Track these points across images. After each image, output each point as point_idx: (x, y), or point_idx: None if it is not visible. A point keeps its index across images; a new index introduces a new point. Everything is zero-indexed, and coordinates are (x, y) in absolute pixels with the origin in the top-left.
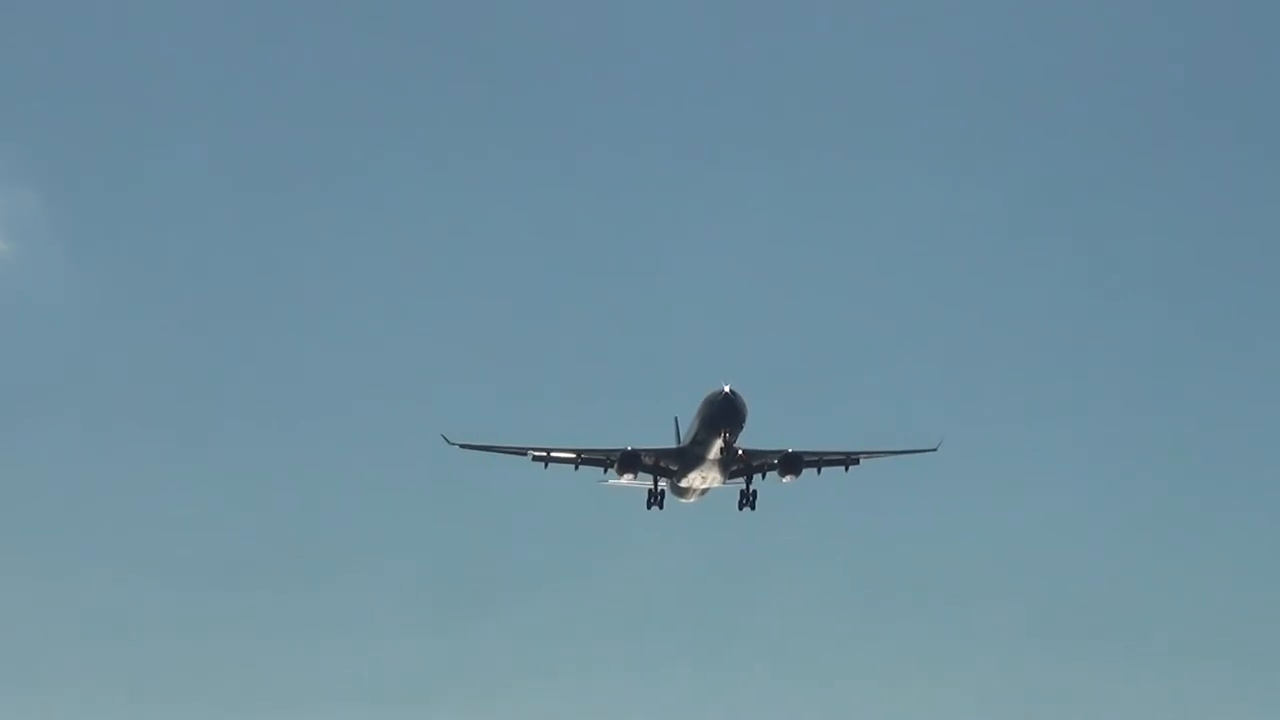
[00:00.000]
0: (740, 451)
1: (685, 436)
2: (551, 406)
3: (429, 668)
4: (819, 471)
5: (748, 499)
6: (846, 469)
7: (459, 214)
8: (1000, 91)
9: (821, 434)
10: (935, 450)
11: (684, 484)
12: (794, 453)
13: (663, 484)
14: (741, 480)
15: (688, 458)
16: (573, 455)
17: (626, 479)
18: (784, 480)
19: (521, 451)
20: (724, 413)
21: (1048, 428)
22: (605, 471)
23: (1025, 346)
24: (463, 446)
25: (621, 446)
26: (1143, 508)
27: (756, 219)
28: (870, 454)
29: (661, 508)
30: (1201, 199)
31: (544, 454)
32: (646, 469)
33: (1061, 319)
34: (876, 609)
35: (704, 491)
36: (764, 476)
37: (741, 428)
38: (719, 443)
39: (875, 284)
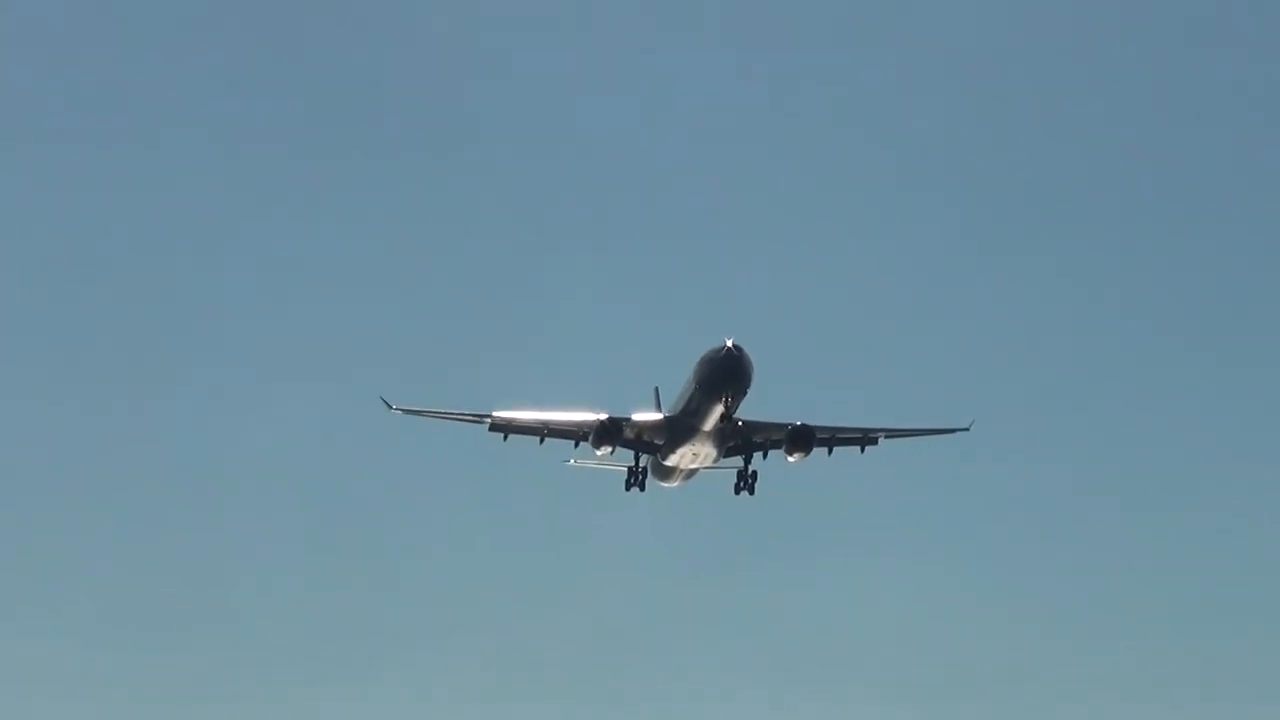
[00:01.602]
0: (740, 423)
1: (675, 404)
2: (509, 371)
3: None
4: (830, 452)
5: (746, 481)
6: (863, 449)
7: None
8: None
9: (827, 410)
10: (968, 430)
11: (670, 461)
12: (805, 426)
13: (645, 461)
14: (739, 459)
15: (678, 429)
16: (539, 425)
17: (603, 453)
18: (790, 459)
19: (478, 419)
20: (725, 372)
21: (1097, 407)
22: (576, 446)
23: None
24: (406, 413)
25: (598, 415)
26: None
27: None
28: (892, 432)
29: (643, 489)
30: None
31: (504, 423)
32: (627, 443)
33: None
34: (897, 610)
35: (691, 473)
36: (765, 455)
37: (745, 392)
38: (718, 410)
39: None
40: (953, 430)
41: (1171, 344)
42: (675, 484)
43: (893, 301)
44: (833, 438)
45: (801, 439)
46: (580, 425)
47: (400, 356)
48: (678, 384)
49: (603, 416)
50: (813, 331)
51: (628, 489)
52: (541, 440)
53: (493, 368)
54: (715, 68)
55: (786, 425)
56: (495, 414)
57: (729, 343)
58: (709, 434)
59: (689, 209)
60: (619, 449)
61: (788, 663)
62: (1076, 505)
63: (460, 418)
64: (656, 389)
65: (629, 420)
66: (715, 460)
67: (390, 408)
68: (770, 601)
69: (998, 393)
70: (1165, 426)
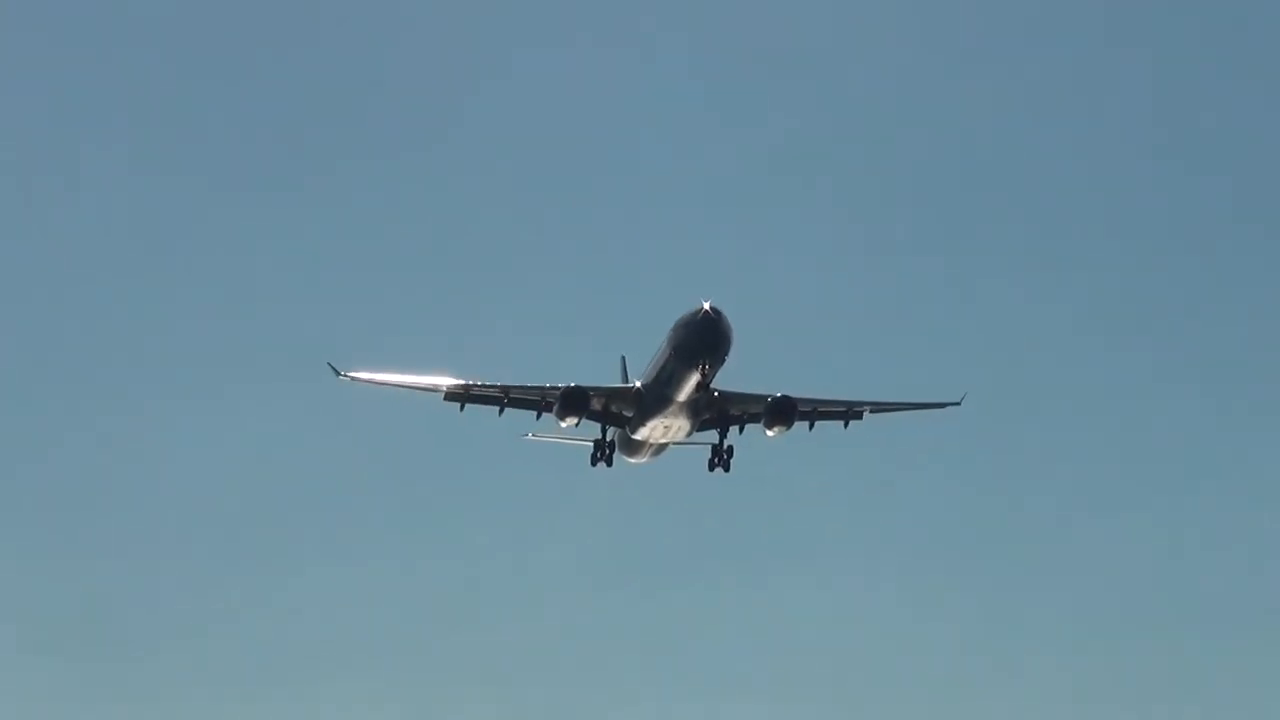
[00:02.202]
0: (716, 394)
1: (646, 373)
2: (467, 337)
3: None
4: (811, 426)
5: (721, 457)
6: (846, 424)
7: None
8: None
9: (807, 383)
10: (959, 405)
11: (640, 435)
12: (786, 398)
13: (612, 435)
14: (713, 434)
15: (649, 399)
16: (499, 393)
17: (567, 425)
18: (769, 434)
19: (433, 387)
20: (703, 337)
21: (1100, 381)
22: (538, 417)
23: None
24: (355, 379)
25: (564, 383)
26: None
27: None
28: (879, 406)
29: (610, 464)
30: None
31: (461, 391)
32: (594, 415)
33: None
34: (880, 596)
35: (661, 448)
36: (742, 430)
37: (723, 360)
38: (693, 379)
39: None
40: (943, 405)
41: (1174, 315)
42: (643, 460)
43: (878, 268)
44: (815, 411)
45: (782, 411)
46: (543, 394)
47: (348, 323)
48: (646, 354)
49: (570, 384)
50: (792, 300)
51: (594, 464)
52: (501, 411)
53: (447, 336)
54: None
55: (766, 397)
56: (452, 381)
57: (706, 305)
58: (683, 405)
59: (657, 172)
60: (585, 421)
61: (760, 656)
62: (1076, 486)
63: (414, 385)
64: (623, 358)
65: (597, 389)
66: (688, 434)
67: (338, 374)
68: (745, 588)
69: (992, 365)
70: (1172, 403)
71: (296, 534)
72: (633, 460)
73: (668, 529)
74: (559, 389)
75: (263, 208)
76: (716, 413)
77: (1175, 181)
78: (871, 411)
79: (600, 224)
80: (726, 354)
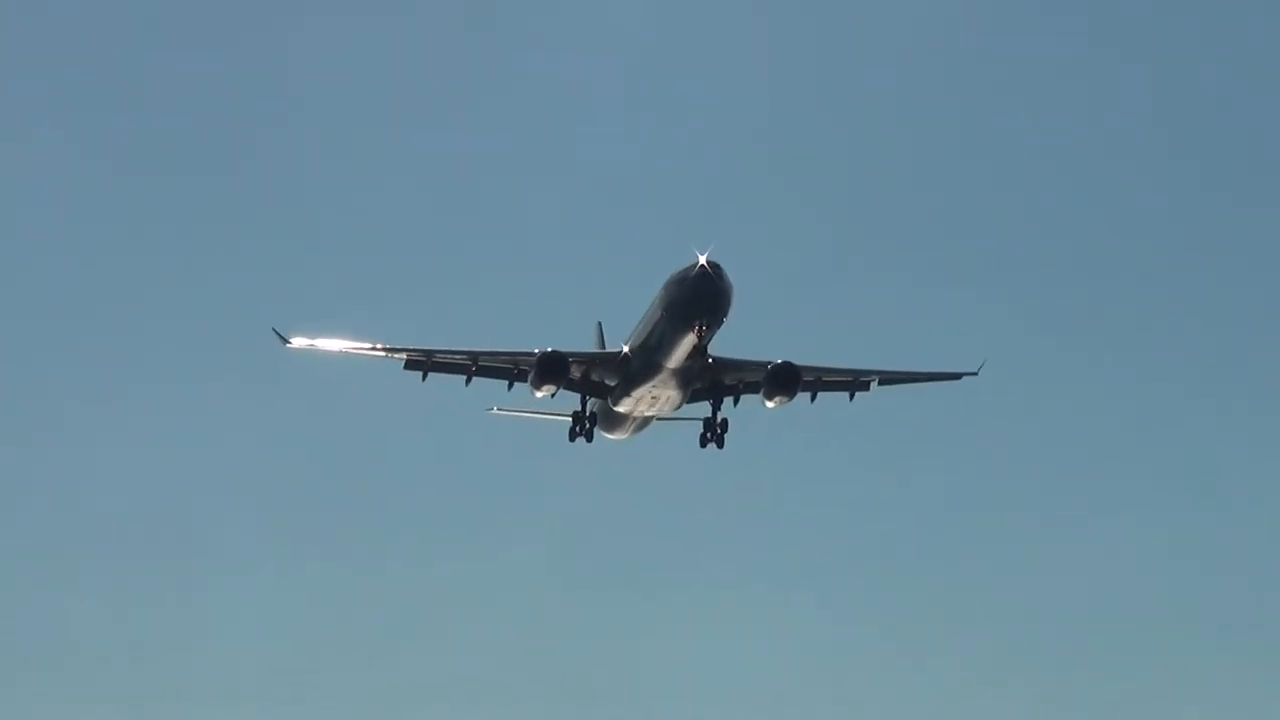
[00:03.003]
0: (711, 360)
1: (633, 336)
2: (427, 306)
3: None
4: (813, 398)
5: (714, 431)
6: (852, 395)
7: None
8: None
9: (807, 351)
10: (975, 375)
11: (624, 407)
12: (789, 365)
13: (593, 406)
14: (704, 406)
15: (637, 366)
16: (466, 360)
17: (542, 395)
18: (769, 404)
19: (392, 353)
20: (700, 295)
21: (1127, 349)
22: (510, 388)
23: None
24: (303, 347)
25: (539, 348)
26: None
27: None
28: (888, 376)
29: (590, 440)
30: None
31: (424, 358)
32: (573, 384)
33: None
34: (888, 587)
35: (645, 422)
36: (737, 401)
37: (722, 320)
38: (687, 342)
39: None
40: (957, 375)
41: (1205, 278)
42: (624, 435)
43: (887, 224)
44: (818, 381)
45: (785, 380)
46: (516, 361)
47: (293, 288)
48: (624, 322)
49: (546, 349)
50: (790, 260)
51: (572, 439)
52: (468, 380)
53: (406, 302)
54: None
55: (766, 364)
56: (414, 347)
57: (703, 259)
58: (674, 372)
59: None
60: (562, 392)
61: (760, 647)
62: (1105, 467)
63: (371, 352)
64: (599, 325)
65: (577, 355)
66: (677, 406)
67: (284, 341)
68: (740, 579)
69: (1010, 332)
70: (1206, 374)
71: (239, 521)
72: (612, 436)
73: (655, 512)
74: (534, 354)
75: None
76: (710, 382)
77: (1205, 138)
78: (880, 383)
79: (572, 178)
80: (726, 314)
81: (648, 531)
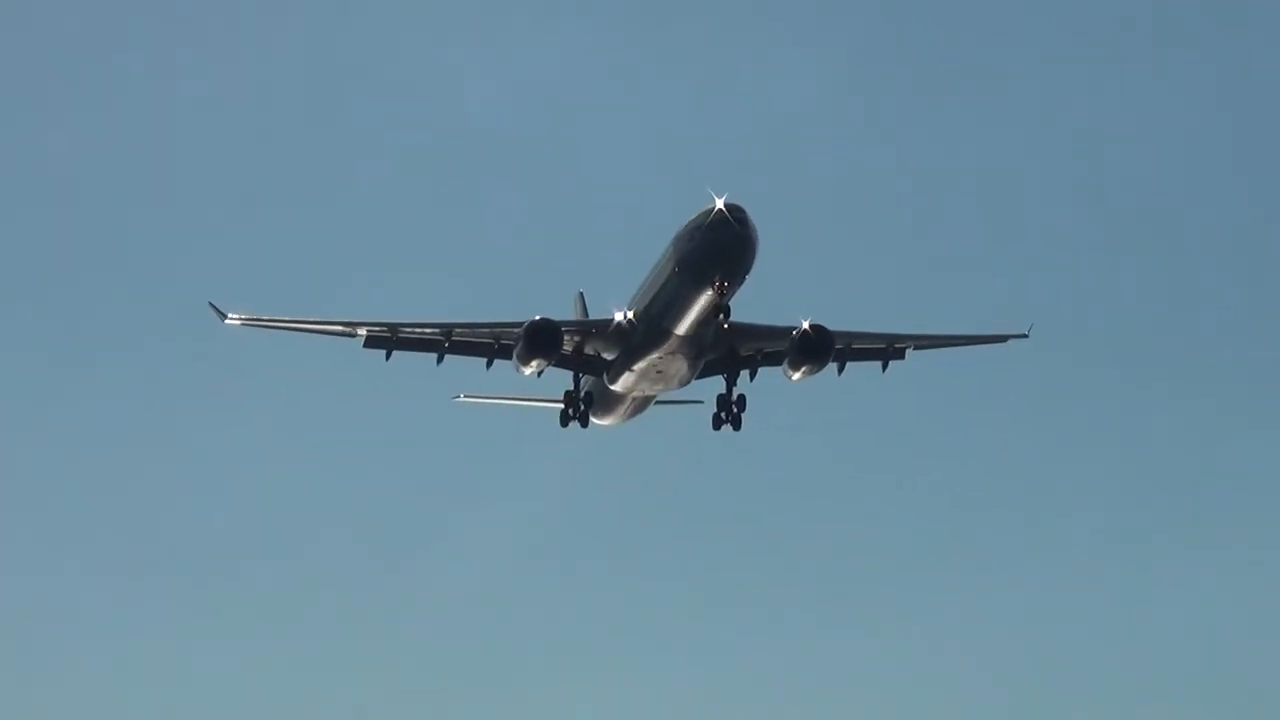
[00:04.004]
0: (726, 326)
1: (636, 300)
2: (381, 277)
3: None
4: (841, 369)
5: (729, 410)
6: (885, 365)
7: None
8: None
9: (827, 316)
10: (1025, 337)
11: (622, 385)
12: (820, 329)
13: (588, 385)
14: (707, 386)
15: (640, 334)
16: (438, 333)
17: (530, 372)
18: (794, 376)
19: (349, 330)
20: (721, 245)
21: (1193, 307)
22: (489, 365)
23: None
24: (246, 323)
25: (527, 318)
26: None
27: None
28: (925, 341)
29: (585, 424)
30: None
31: (387, 334)
32: (565, 359)
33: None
34: (928, 594)
35: (643, 404)
36: (754, 375)
37: (745, 276)
38: (703, 302)
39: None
40: (1004, 338)
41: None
42: (618, 420)
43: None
44: (848, 348)
45: (815, 346)
46: (499, 333)
47: (232, 259)
48: (612, 290)
49: (534, 318)
50: (810, 216)
51: (564, 424)
52: (440, 358)
53: (358, 277)
54: None
55: (790, 329)
56: (376, 320)
57: (720, 203)
58: (685, 341)
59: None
60: (548, 371)
61: (786, 657)
62: (1170, 435)
63: (324, 329)
64: (580, 295)
65: (570, 324)
66: (685, 381)
67: (223, 318)
68: (762, 582)
69: (1063, 290)
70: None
71: (178, 519)
72: (605, 422)
73: (664, 507)
74: (520, 324)
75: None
76: (724, 352)
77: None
78: (916, 348)
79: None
80: (750, 266)
81: (657, 530)
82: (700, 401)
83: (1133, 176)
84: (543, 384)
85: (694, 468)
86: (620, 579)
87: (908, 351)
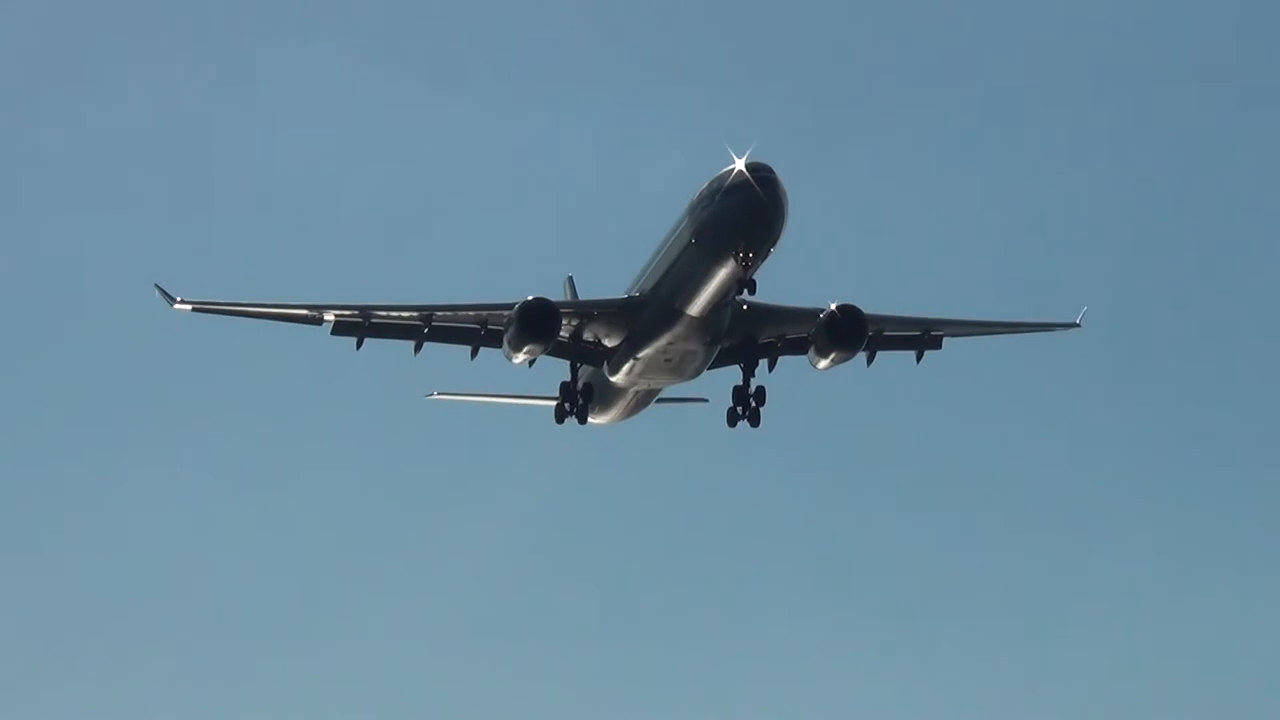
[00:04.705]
0: (745, 307)
1: (644, 278)
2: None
3: None
4: (871, 359)
5: (746, 405)
6: (919, 355)
7: None
8: None
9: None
10: (1077, 326)
11: (624, 375)
12: (852, 309)
13: (586, 376)
14: (731, 373)
15: (648, 315)
16: (417, 320)
17: (523, 359)
18: (820, 364)
19: (314, 317)
20: (748, 210)
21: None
22: (475, 354)
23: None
24: (197, 308)
25: (518, 298)
26: None
27: None
28: (964, 328)
29: (583, 420)
30: None
31: (359, 319)
32: (562, 346)
33: None
34: (961, 600)
35: (645, 399)
36: (773, 367)
37: (773, 246)
38: (723, 277)
39: None
40: (1051, 327)
41: None
42: (615, 418)
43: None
44: (879, 335)
45: (845, 330)
46: (486, 316)
47: (181, 239)
48: (602, 278)
49: (529, 298)
50: (838, 194)
51: (560, 419)
52: (419, 346)
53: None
54: None
55: (816, 311)
56: (346, 304)
57: (739, 164)
58: (699, 323)
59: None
60: (539, 362)
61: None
62: (1235, 437)
63: (285, 314)
64: (569, 279)
65: (569, 304)
66: (696, 372)
67: (172, 302)
68: (782, 603)
69: (1119, 274)
70: None
71: (125, 527)
72: (601, 419)
73: (677, 514)
74: (511, 305)
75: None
76: (741, 338)
77: None
78: (953, 336)
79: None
80: (778, 236)
81: (666, 540)
82: (705, 400)
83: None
84: (531, 378)
85: (708, 468)
86: (625, 593)
87: (945, 340)
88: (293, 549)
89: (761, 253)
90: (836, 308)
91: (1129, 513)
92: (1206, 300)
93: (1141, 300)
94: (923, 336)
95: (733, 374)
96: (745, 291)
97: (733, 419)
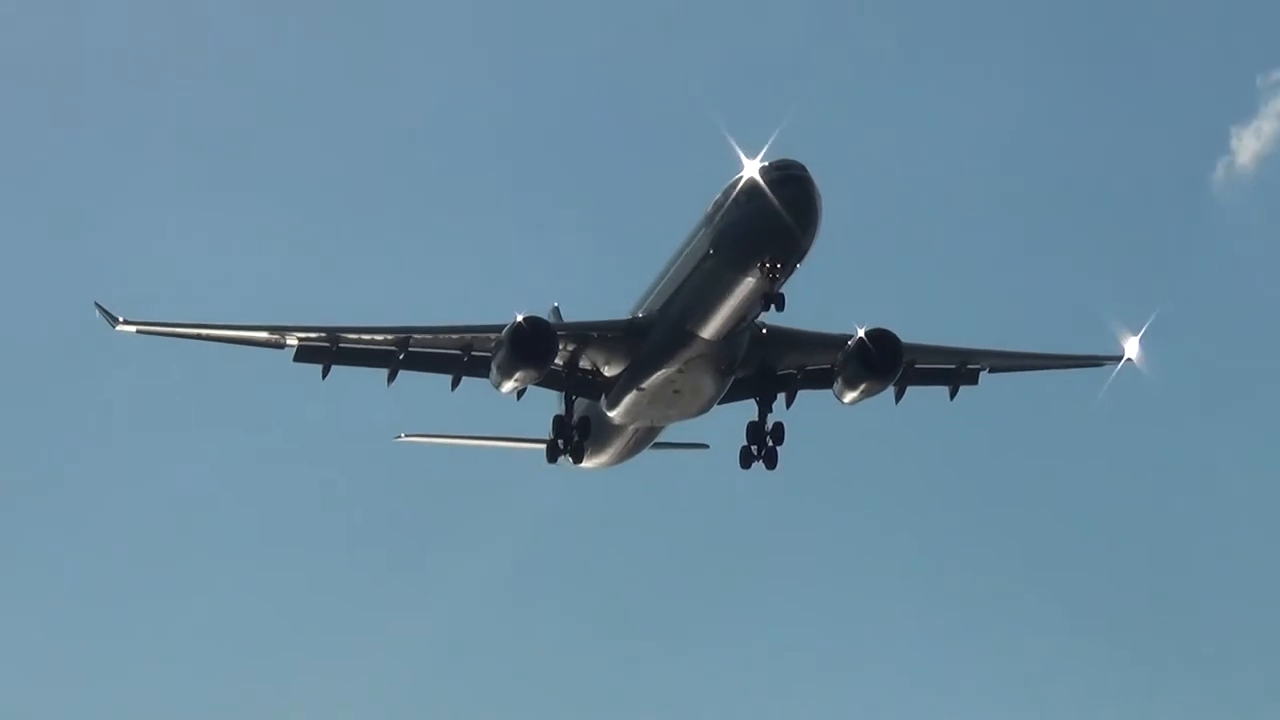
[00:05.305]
0: (765, 330)
1: (652, 298)
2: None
3: None
4: (899, 395)
5: (762, 444)
6: (954, 391)
7: None
8: None
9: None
10: (1126, 361)
11: (623, 411)
12: (885, 333)
13: (582, 410)
14: (739, 410)
15: (655, 339)
16: (391, 345)
17: (512, 387)
18: (848, 397)
19: (275, 341)
20: (782, 211)
21: None
22: (456, 384)
23: None
24: (143, 330)
25: (507, 320)
26: None
27: None
28: (1004, 361)
29: (579, 459)
30: None
31: (324, 342)
32: (555, 376)
33: None
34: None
35: (644, 438)
36: (791, 402)
37: (805, 254)
38: (747, 291)
39: None
40: (1098, 361)
41: None
42: (609, 461)
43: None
44: (911, 366)
45: (879, 358)
46: (470, 340)
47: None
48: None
49: (522, 317)
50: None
51: (552, 458)
52: (393, 374)
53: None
54: None
55: (844, 338)
56: (311, 326)
57: (751, 167)
58: (712, 349)
59: None
60: (524, 398)
61: None
62: None
63: (241, 337)
64: (555, 308)
65: (567, 326)
66: (705, 406)
67: (115, 322)
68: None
69: (1171, 305)
70: None
71: (59, 571)
72: (594, 462)
73: (675, 573)
74: (501, 327)
75: None
76: (758, 367)
77: None
78: (992, 370)
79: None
80: (811, 243)
81: (671, 596)
82: (705, 445)
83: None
84: (513, 417)
85: (718, 516)
86: (623, 660)
87: (981, 374)
88: (232, 610)
89: (791, 263)
90: (868, 332)
91: (1205, 590)
92: (1271, 329)
93: (1198, 330)
94: (958, 370)
95: (737, 415)
96: (772, 308)
97: (746, 460)
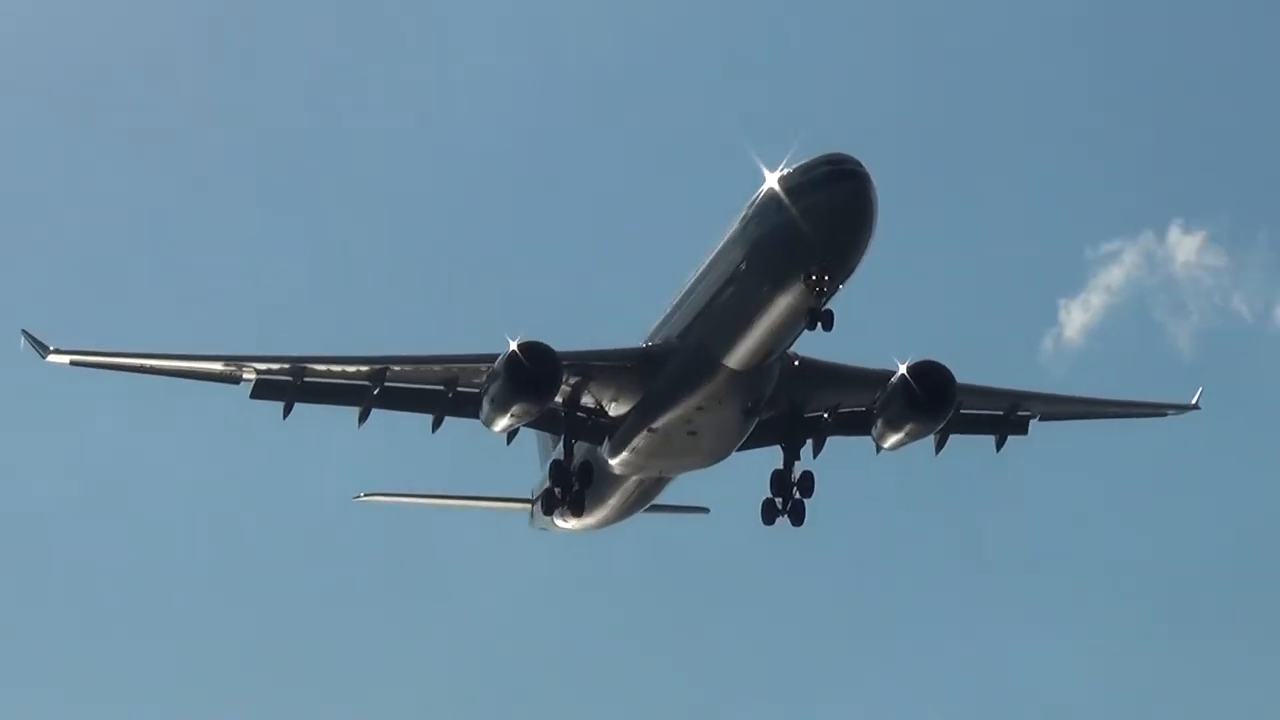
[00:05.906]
0: (797, 363)
1: (670, 321)
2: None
3: None
4: (941, 445)
5: (788, 495)
6: (1001, 441)
7: None
8: None
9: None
10: (1197, 409)
11: (626, 458)
12: (935, 366)
13: (582, 456)
14: (775, 448)
15: (671, 371)
16: (364, 379)
17: (505, 426)
18: (889, 441)
19: (230, 374)
20: (832, 214)
21: None
22: (437, 425)
23: None
24: (77, 362)
25: (501, 349)
26: None
27: None
28: (1058, 407)
29: (580, 511)
30: None
31: (286, 377)
32: (554, 414)
33: None
34: None
35: (645, 495)
36: (819, 449)
37: (859, 263)
38: (786, 306)
39: None
40: (1162, 410)
41: None
42: (605, 518)
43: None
44: (958, 409)
45: (927, 395)
46: (457, 371)
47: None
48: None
49: (520, 343)
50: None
51: (549, 510)
52: (365, 414)
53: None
54: None
55: (888, 373)
56: (272, 356)
57: (771, 177)
58: (741, 381)
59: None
60: (524, 430)
61: None
62: None
63: (191, 370)
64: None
65: (571, 354)
66: (723, 453)
67: (45, 352)
68: None
69: (1241, 353)
70: None
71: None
72: (582, 521)
73: (687, 642)
74: (493, 357)
75: None
76: (786, 406)
77: None
78: (1044, 418)
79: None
80: (866, 248)
81: (685, 667)
82: (706, 510)
83: None
84: (492, 475)
85: (737, 578)
86: None
87: (1031, 422)
88: (178, 681)
89: (842, 274)
90: (915, 365)
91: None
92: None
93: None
94: (1006, 416)
95: (744, 471)
96: (819, 327)
97: (770, 514)
